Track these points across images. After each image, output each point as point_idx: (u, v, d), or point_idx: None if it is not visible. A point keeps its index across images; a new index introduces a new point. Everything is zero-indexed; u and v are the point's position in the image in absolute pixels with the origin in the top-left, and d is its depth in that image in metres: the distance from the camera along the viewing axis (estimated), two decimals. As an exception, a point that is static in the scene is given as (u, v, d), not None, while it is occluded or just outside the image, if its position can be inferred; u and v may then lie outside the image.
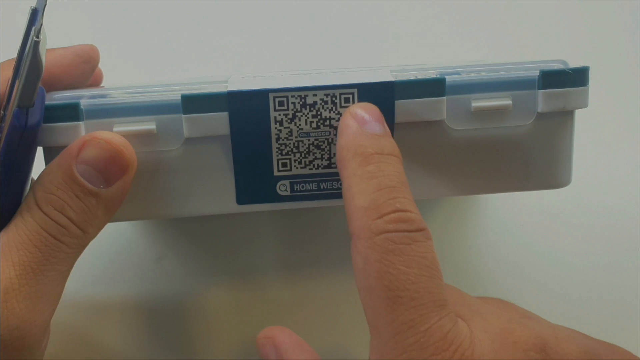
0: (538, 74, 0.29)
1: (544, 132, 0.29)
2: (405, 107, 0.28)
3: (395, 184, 0.25)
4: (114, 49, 0.37)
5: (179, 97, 0.28)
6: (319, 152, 0.29)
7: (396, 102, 0.28)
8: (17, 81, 0.26)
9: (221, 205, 0.30)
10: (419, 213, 0.25)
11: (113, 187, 0.27)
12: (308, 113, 0.28)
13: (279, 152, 0.29)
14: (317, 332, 0.39)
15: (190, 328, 0.39)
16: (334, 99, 0.28)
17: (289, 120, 0.28)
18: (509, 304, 0.29)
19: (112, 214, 0.28)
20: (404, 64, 0.34)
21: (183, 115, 0.28)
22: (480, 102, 0.29)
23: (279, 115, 0.28)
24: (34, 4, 0.26)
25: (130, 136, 0.28)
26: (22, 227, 0.26)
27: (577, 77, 0.29)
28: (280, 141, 0.29)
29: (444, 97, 0.28)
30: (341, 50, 0.41)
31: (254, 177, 0.29)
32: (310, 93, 0.28)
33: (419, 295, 0.24)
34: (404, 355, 0.24)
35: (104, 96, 0.29)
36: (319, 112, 0.28)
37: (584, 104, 0.29)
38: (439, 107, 0.29)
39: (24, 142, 0.26)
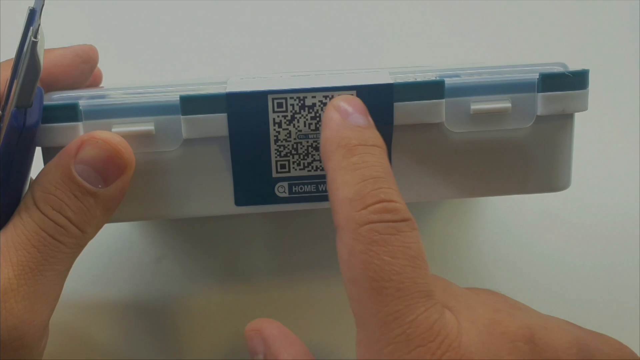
0: (538, 77, 0.28)
1: (544, 135, 0.29)
2: (404, 110, 0.28)
3: (379, 175, 0.25)
4: (113, 49, 0.37)
5: (178, 98, 0.28)
6: (318, 154, 0.29)
7: (395, 104, 0.28)
8: (15, 81, 0.26)
9: (220, 206, 0.30)
10: (404, 203, 0.25)
11: (111, 187, 0.27)
12: (307, 115, 0.28)
13: (278, 153, 0.29)
14: (316, 332, 0.39)
15: (189, 328, 0.39)
16: None
17: (287, 122, 0.28)
18: (498, 294, 0.28)
19: (110, 213, 0.28)
20: (403, 65, 0.33)
21: (182, 117, 0.28)
22: (480, 104, 0.29)
23: (278, 116, 0.28)
24: (32, 4, 0.26)
25: (128, 137, 0.28)
26: (20, 227, 0.26)
27: (576, 80, 0.29)
28: (279, 143, 0.29)
29: (443, 100, 0.28)
30: (340, 51, 0.41)
31: (252, 179, 0.29)
32: (309, 95, 0.28)
33: (404, 286, 0.24)
34: (389, 347, 0.24)
35: (102, 97, 0.29)
36: (317, 114, 0.28)
37: (583, 107, 0.29)
38: (438, 110, 0.28)
39: (22, 142, 0.26)
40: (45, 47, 0.26)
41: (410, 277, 0.24)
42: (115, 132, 0.28)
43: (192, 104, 0.28)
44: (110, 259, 0.39)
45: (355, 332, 0.25)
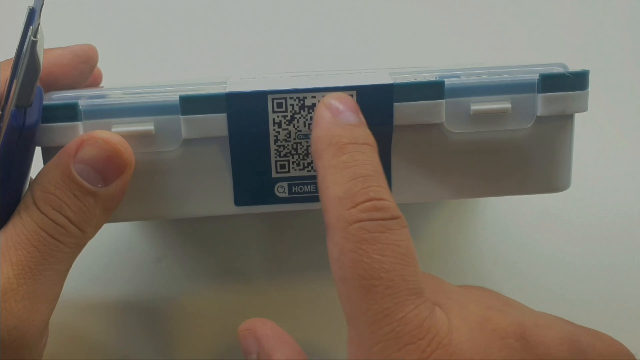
0: (538, 78, 0.28)
1: (544, 135, 0.29)
2: (404, 110, 0.28)
3: (369, 173, 0.25)
4: (113, 49, 0.37)
5: (178, 98, 0.28)
6: (318, 154, 0.29)
7: (395, 104, 0.28)
8: (14, 81, 0.26)
9: (219, 206, 0.30)
10: (394, 201, 0.25)
11: (111, 186, 0.27)
12: (307, 115, 0.28)
13: (278, 153, 0.29)
14: (316, 333, 0.39)
15: (189, 328, 0.39)
16: None
17: (287, 122, 0.28)
18: (491, 291, 0.28)
19: (110, 213, 0.28)
20: (403, 66, 0.33)
21: (181, 116, 0.28)
22: (480, 105, 0.29)
23: (278, 116, 0.28)
24: (32, 3, 0.26)
25: (128, 137, 0.28)
26: (20, 227, 0.26)
27: (577, 81, 0.29)
28: (279, 143, 0.29)
29: (443, 100, 0.28)
30: (340, 52, 0.41)
31: (252, 179, 0.29)
32: (309, 95, 0.28)
33: (393, 284, 0.24)
34: (379, 345, 0.24)
35: (102, 96, 0.29)
36: None
37: (583, 108, 0.29)
38: (438, 110, 0.28)
39: (22, 142, 0.26)
40: (44, 47, 0.26)
41: (399, 274, 0.24)
42: (115, 132, 0.28)
43: (191, 104, 0.28)
44: (110, 259, 0.39)
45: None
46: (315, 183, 0.29)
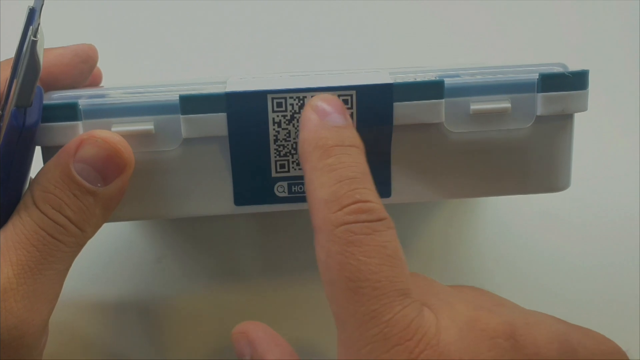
0: (537, 77, 0.28)
1: (543, 135, 0.29)
2: (403, 110, 0.28)
3: (355, 175, 0.25)
4: (113, 49, 0.37)
5: (177, 98, 0.28)
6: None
7: (395, 104, 0.28)
8: (14, 81, 0.26)
9: (219, 206, 0.30)
10: (381, 202, 0.25)
11: (111, 185, 0.27)
12: None
13: (277, 153, 0.29)
14: (317, 332, 0.39)
15: (189, 328, 0.39)
16: None
17: (287, 122, 0.28)
18: (483, 291, 0.28)
19: (110, 212, 0.28)
20: (403, 66, 0.33)
21: (181, 116, 0.28)
22: (479, 104, 0.29)
23: (277, 116, 0.28)
24: (32, 3, 0.26)
25: (128, 136, 0.28)
26: (19, 226, 0.26)
27: (576, 81, 0.29)
28: (279, 142, 0.29)
29: (443, 100, 0.28)
30: (340, 52, 0.41)
31: (252, 178, 0.29)
32: (308, 94, 0.28)
33: (380, 285, 0.24)
34: (367, 347, 0.24)
35: (102, 96, 0.29)
36: None
37: (583, 108, 0.29)
38: (438, 110, 0.28)
39: (22, 141, 0.26)
40: (44, 47, 0.26)
41: (386, 276, 0.24)
42: (115, 132, 0.28)
43: (191, 104, 0.28)
44: (110, 258, 0.39)
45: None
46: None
